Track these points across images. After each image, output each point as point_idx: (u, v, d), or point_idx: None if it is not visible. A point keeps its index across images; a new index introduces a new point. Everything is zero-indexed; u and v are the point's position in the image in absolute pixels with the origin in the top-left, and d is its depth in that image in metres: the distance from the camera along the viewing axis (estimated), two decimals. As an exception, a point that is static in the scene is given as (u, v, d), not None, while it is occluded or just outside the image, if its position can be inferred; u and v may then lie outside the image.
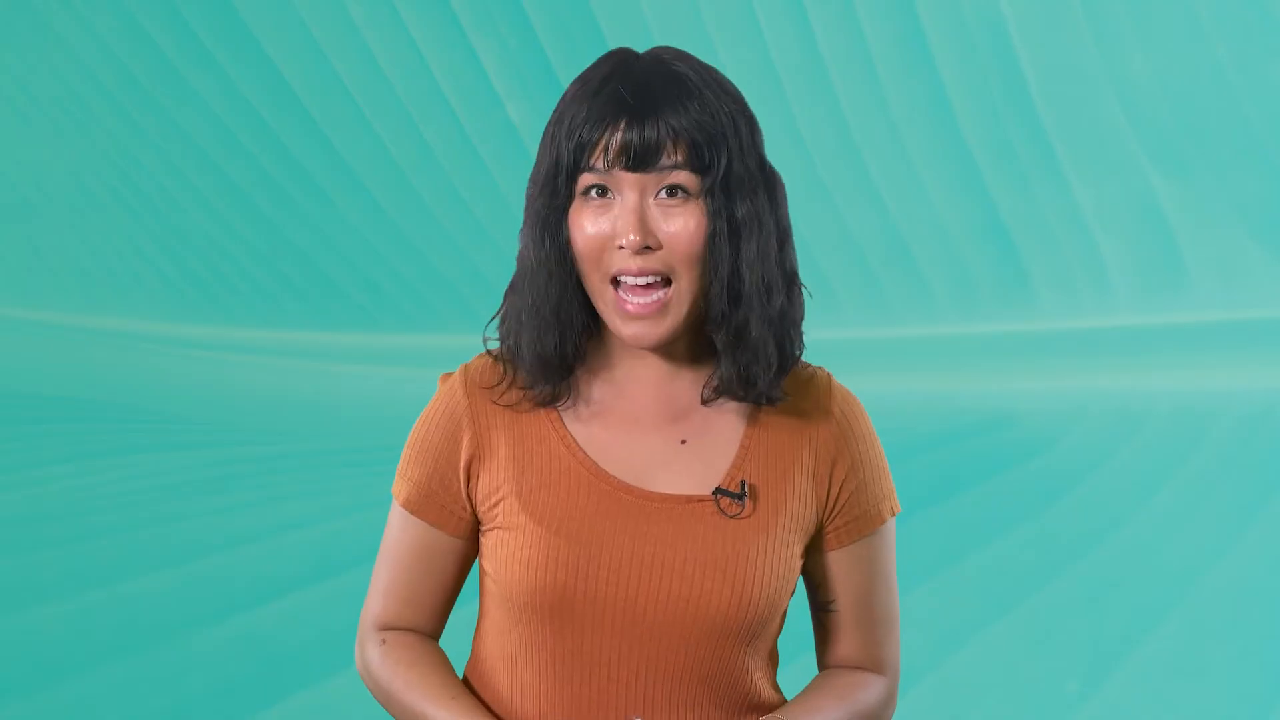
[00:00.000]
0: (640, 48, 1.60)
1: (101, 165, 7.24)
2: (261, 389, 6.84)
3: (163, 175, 7.11)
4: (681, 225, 1.51)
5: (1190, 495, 4.66)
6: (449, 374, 1.64)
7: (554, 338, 1.55)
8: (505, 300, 1.60)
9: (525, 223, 1.58)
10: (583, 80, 1.55)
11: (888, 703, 1.67)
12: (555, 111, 1.56)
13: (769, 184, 1.57)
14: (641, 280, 1.52)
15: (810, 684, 1.66)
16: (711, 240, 1.52)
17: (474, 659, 1.66)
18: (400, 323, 6.73)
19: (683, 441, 1.59)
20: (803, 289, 1.60)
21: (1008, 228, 5.60)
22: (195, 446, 6.20)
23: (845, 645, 1.67)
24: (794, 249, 1.60)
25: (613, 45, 1.59)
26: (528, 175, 1.60)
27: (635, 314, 1.52)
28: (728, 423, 1.60)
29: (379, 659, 1.64)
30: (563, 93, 1.57)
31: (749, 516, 1.57)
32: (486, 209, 6.36)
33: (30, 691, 3.90)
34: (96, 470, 5.75)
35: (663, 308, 1.52)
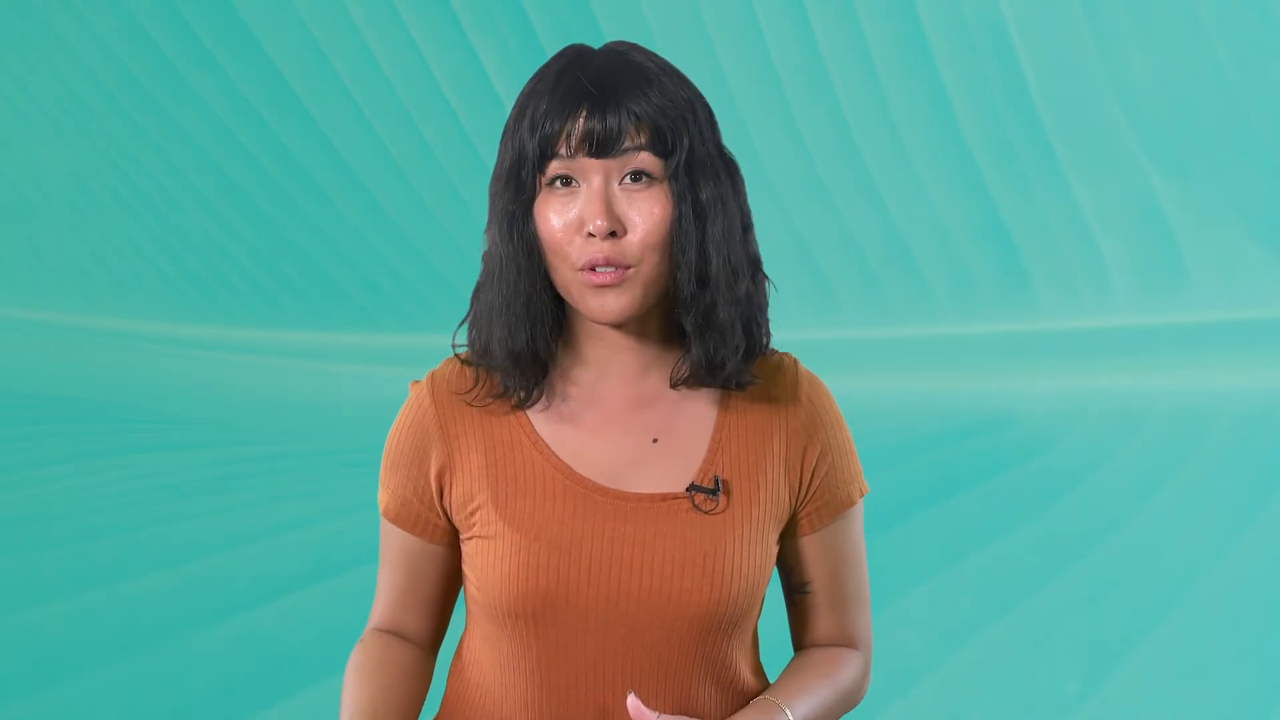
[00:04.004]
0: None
1: (101, 165, 7.24)
2: (261, 389, 6.83)
3: (163, 175, 7.11)
4: (647, 210, 1.52)
5: (1190, 495, 4.66)
6: (418, 381, 1.65)
7: (525, 333, 1.56)
8: (472, 304, 1.61)
9: (490, 221, 1.59)
10: (539, 76, 1.57)
11: (865, 676, 1.70)
12: (514, 108, 1.57)
13: (729, 170, 1.59)
14: (609, 269, 1.52)
15: (791, 664, 1.68)
16: (677, 223, 1.53)
17: (460, 665, 1.67)
18: (400, 323, 6.73)
19: (655, 440, 1.60)
20: (767, 279, 1.62)
21: (1008, 228, 5.60)
22: (195, 446, 6.20)
23: (821, 625, 1.69)
24: (755, 238, 1.62)
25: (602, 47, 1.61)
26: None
27: (600, 284, 1.52)
28: (698, 417, 1.61)
29: (353, 653, 1.66)
30: (520, 91, 1.58)
31: (724, 511, 1.58)
32: (486, 209, 6.32)
33: (30, 691, 3.90)
34: (96, 470, 5.75)
35: (624, 280, 1.52)
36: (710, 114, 1.58)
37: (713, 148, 1.57)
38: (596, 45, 1.61)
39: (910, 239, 5.72)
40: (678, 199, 1.53)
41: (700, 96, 1.58)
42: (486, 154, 6.30)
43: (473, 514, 1.59)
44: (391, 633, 1.69)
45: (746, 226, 1.60)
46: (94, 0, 6.86)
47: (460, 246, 6.36)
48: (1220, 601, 4.07)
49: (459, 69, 6.28)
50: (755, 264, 1.60)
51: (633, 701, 1.50)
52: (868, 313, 5.77)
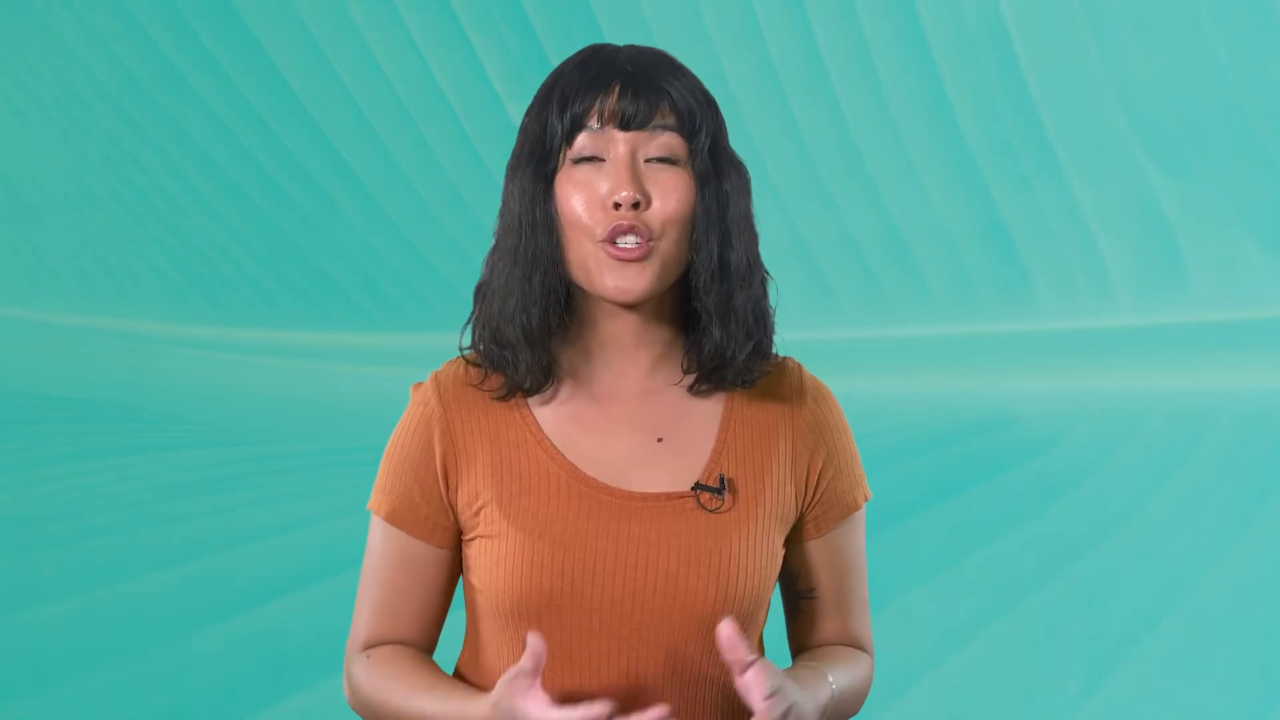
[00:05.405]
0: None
1: (101, 165, 7.24)
2: (261, 389, 6.84)
3: (163, 175, 7.11)
4: (671, 187, 1.54)
5: (1190, 495, 4.66)
6: (420, 383, 1.64)
7: (539, 308, 1.55)
8: (475, 302, 1.60)
9: (506, 200, 1.59)
10: (565, 64, 1.59)
11: (871, 676, 1.70)
12: (538, 94, 1.58)
13: (743, 174, 1.60)
14: (631, 239, 1.52)
15: (810, 653, 1.67)
16: (700, 204, 1.54)
17: (461, 675, 1.65)
18: (400, 323, 6.73)
19: (659, 440, 1.59)
20: (769, 291, 1.61)
21: (1008, 228, 5.60)
22: (195, 446, 6.20)
23: (826, 630, 1.69)
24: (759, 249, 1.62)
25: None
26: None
27: (623, 258, 1.52)
28: (703, 417, 1.61)
29: (364, 673, 1.61)
30: (543, 82, 1.59)
31: (729, 510, 1.57)
32: (486, 209, 6.34)
33: (30, 691, 3.90)
34: (96, 470, 5.76)
35: (649, 255, 1.53)
36: (723, 118, 1.60)
37: (728, 145, 1.59)
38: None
39: (910, 239, 5.72)
40: (700, 182, 1.55)
41: (715, 101, 1.60)
42: (486, 154, 6.31)
43: (477, 513, 1.58)
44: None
45: (755, 233, 1.61)
46: (94, 0, 6.86)
47: (460, 246, 6.37)
48: (1220, 601, 4.07)
49: (459, 69, 6.28)
50: (764, 270, 1.61)
51: (726, 630, 1.45)
52: (868, 313, 5.77)
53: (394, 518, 1.62)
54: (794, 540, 1.65)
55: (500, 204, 1.60)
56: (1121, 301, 5.49)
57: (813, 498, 1.63)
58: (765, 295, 1.60)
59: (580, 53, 1.59)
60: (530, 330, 1.55)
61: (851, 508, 1.66)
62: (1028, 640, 3.97)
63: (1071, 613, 4.08)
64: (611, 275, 1.53)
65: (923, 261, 5.72)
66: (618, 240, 1.52)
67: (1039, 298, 5.60)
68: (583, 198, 1.53)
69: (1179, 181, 5.33)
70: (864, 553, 1.70)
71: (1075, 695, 3.73)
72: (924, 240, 5.71)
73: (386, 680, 1.60)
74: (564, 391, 1.60)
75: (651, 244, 1.53)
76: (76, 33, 6.97)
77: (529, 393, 1.59)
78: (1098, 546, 4.39)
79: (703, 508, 1.57)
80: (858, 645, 1.70)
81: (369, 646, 1.63)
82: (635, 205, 1.52)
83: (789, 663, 1.70)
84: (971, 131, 5.58)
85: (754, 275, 1.57)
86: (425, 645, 1.65)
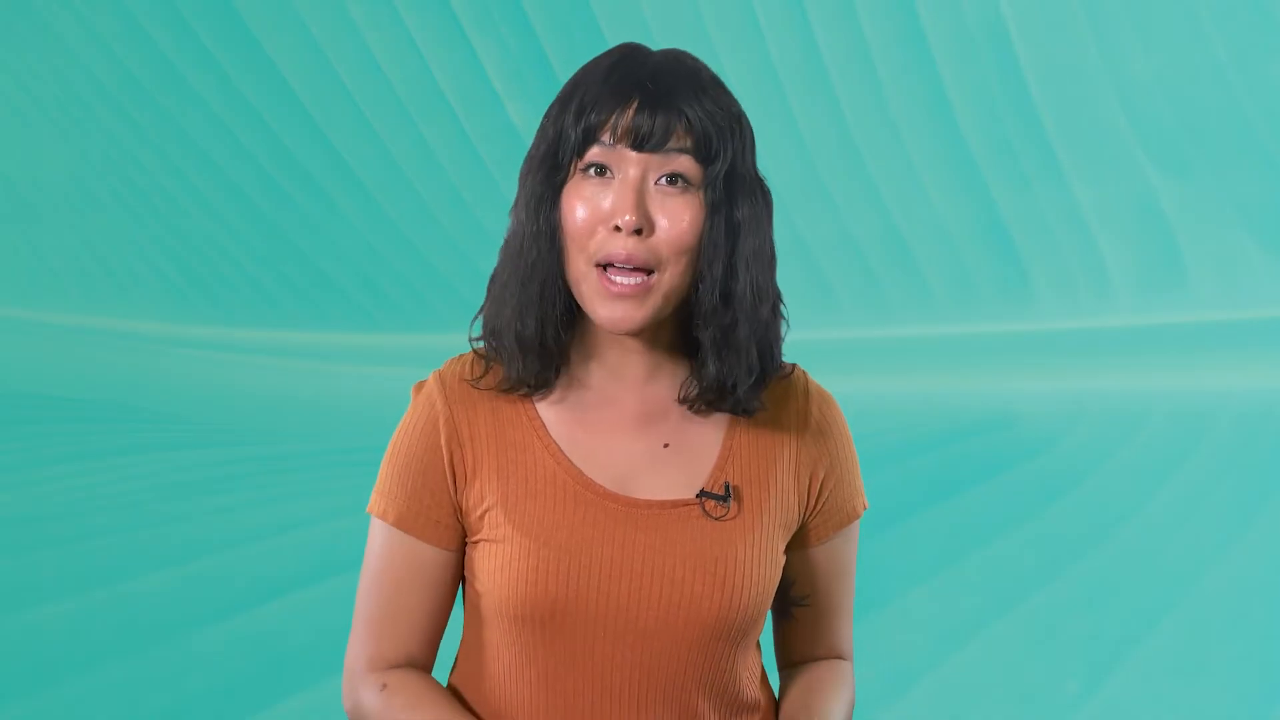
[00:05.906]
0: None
1: (101, 165, 7.25)
2: (261, 389, 6.84)
3: (163, 175, 7.12)
4: (677, 215, 1.49)
5: (1190, 495, 4.67)
6: (422, 383, 1.62)
7: (535, 318, 1.52)
8: (488, 291, 1.58)
9: (517, 202, 1.55)
10: (592, 66, 1.54)
11: (854, 688, 1.71)
12: (561, 92, 1.54)
13: (765, 196, 1.56)
14: (628, 268, 1.49)
15: (801, 680, 1.67)
16: (707, 234, 1.50)
17: (457, 679, 1.63)
18: (400, 323, 6.73)
19: (665, 445, 1.58)
20: (784, 317, 1.59)
21: (1008, 228, 5.60)
22: (195, 446, 6.20)
23: (814, 636, 1.69)
24: (776, 274, 1.58)
25: (612, 46, 1.59)
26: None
27: (618, 294, 1.49)
28: (709, 425, 1.59)
29: (381, 705, 1.58)
30: (569, 78, 1.55)
31: (734, 518, 1.56)
32: (486, 209, 6.37)
33: (30, 691, 3.90)
34: (96, 470, 5.75)
35: (646, 291, 1.49)
36: (752, 135, 1.56)
37: (751, 168, 1.55)
38: (596, 50, 1.59)
39: (910, 239, 5.72)
40: (711, 209, 1.50)
41: (745, 115, 1.56)
42: (486, 154, 6.31)
43: (482, 516, 1.57)
44: (399, 666, 1.62)
45: (772, 257, 1.57)
46: (94, 0, 6.87)
47: (460, 246, 6.37)
48: (1220, 601, 4.07)
49: (459, 69, 6.28)
50: (777, 295, 1.57)
51: None
52: (868, 313, 5.77)
53: (402, 522, 1.59)
54: (793, 548, 1.64)
55: (514, 199, 1.58)
56: (1121, 301, 5.49)
57: (814, 506, 1.63)
58: (775, 321, 1.56)
59: (610, 53, 1.55)
60: (524, 338, 1.53)
61: (851, 516, 1.66)
62: (1028, 640, 3.97)
63: (1071, 613, 4.08)
64: (604, 306, 1.49)
65: (923, 261, 5.73)
66: (612, 269, 1.49)
67: (1039, 298, 5.60)
68: (585, 213, 1.50)
69: (1179, 181, 5.33)
70: (855, 561, 1.70)
71: (1075, 695, 3.73)
72: (924, 240, 5.71)
73: (412, 714, 1.57)
74: (571, 395, 1.58)
75: (653, 277, 1.49)
76: (76, 33, 6.97)
77: (531, 389, 1.58)
78: (1098, 546, 4.39)
79: (708, 515, 1.56)
80: (842, 651, 1.71)
81: (375, 665, 1.60)
82: (637, 231, 1.48)
83: (773, 667, 1.70)
84: (971, 131, 5.58)
85: (761, 307, 1.53)
86: (428, 658, 1.62)
